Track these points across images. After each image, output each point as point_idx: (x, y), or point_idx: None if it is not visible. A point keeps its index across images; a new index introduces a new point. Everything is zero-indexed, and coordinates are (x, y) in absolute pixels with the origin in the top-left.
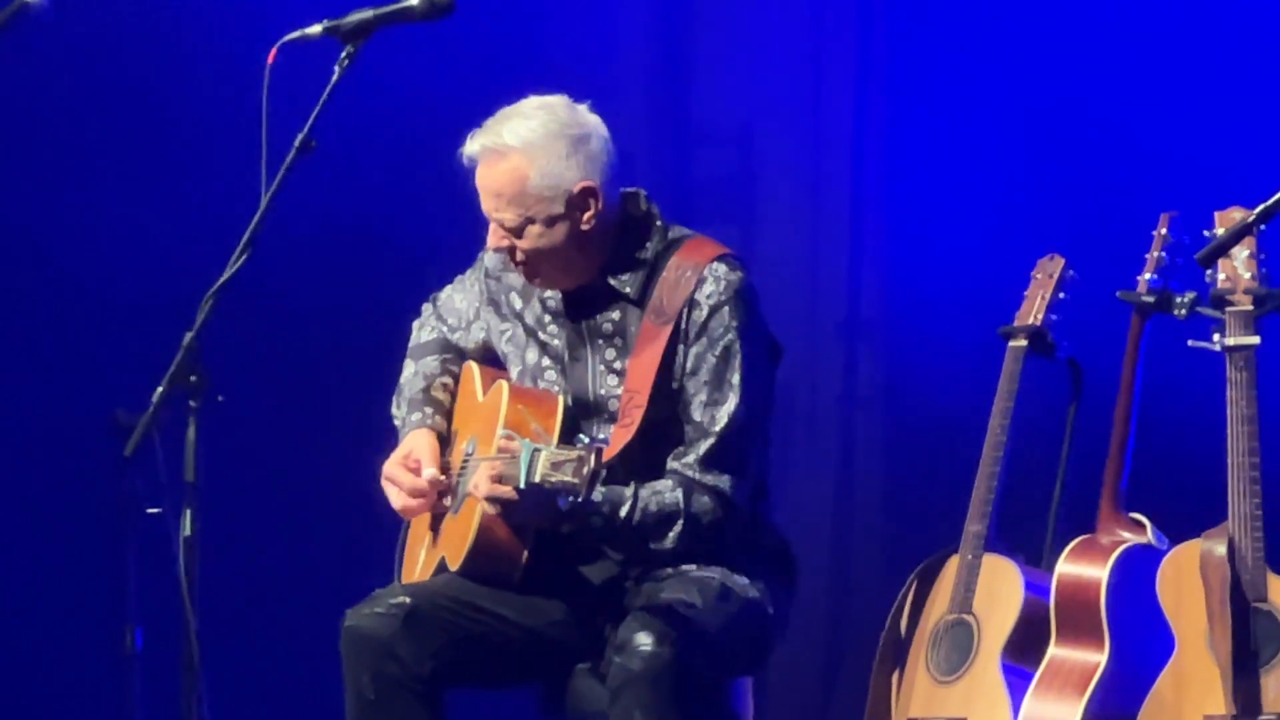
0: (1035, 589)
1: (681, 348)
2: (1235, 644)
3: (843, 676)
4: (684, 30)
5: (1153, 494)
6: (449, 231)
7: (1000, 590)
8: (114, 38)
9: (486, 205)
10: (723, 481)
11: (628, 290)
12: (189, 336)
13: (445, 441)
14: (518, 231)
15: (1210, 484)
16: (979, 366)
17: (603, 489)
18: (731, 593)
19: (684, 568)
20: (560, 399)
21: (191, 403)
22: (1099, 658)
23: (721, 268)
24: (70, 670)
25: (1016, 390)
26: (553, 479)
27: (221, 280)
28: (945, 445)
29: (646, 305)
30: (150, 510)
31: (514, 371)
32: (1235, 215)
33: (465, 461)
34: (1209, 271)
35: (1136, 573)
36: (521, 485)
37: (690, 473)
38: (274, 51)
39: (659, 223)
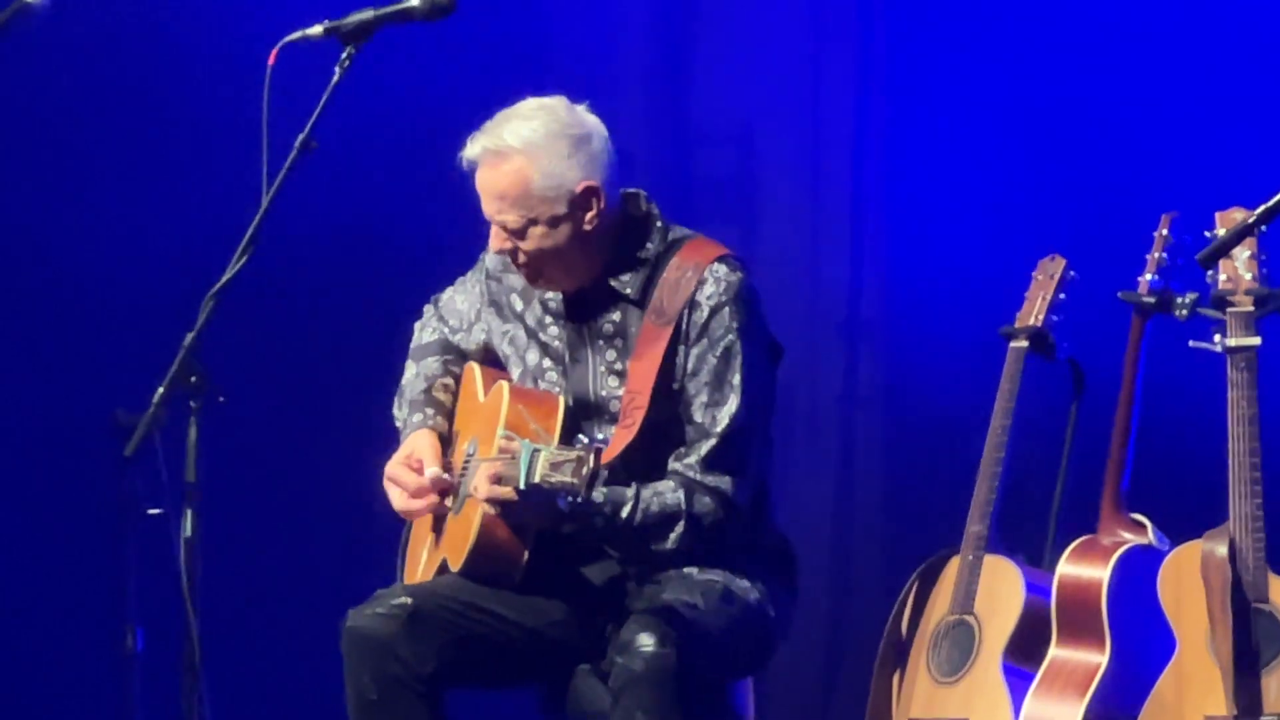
0: (1036, 589)
1: (682, 348)
2: (1236, 645)
3: (843, 677)
4: (684, 30)
5: (1154, 495)
6: (450, 232)
7: (1001, 591)
8: (115, 38)
9: (488, 208)
10: (724, 482)
11: (628, 291)
12: (190, 337)
13: (447, 442)
14: (520, 233)
15: (1211, 484)
16: (980, 367)
17: (604, 489)
18: (733, 595)
19: (686, 570)
20: (560, 400)
21: (192, 403)
22: (1100, 658)
23: (722, 268)
24: (71, 670)
25: (1017, 391)
26: (552, 479)
27: (222, 281)
28: (946, 446)
29: (647, 306)
30: (151, 511)
31: (515, 373)
32: (1236, 216)
33: (466, 462)
34: (1210, 272)
35: (1137, 573)
36: (521, 486)
37: (692, 474)
38: (275, 52)
39: (659, 223)
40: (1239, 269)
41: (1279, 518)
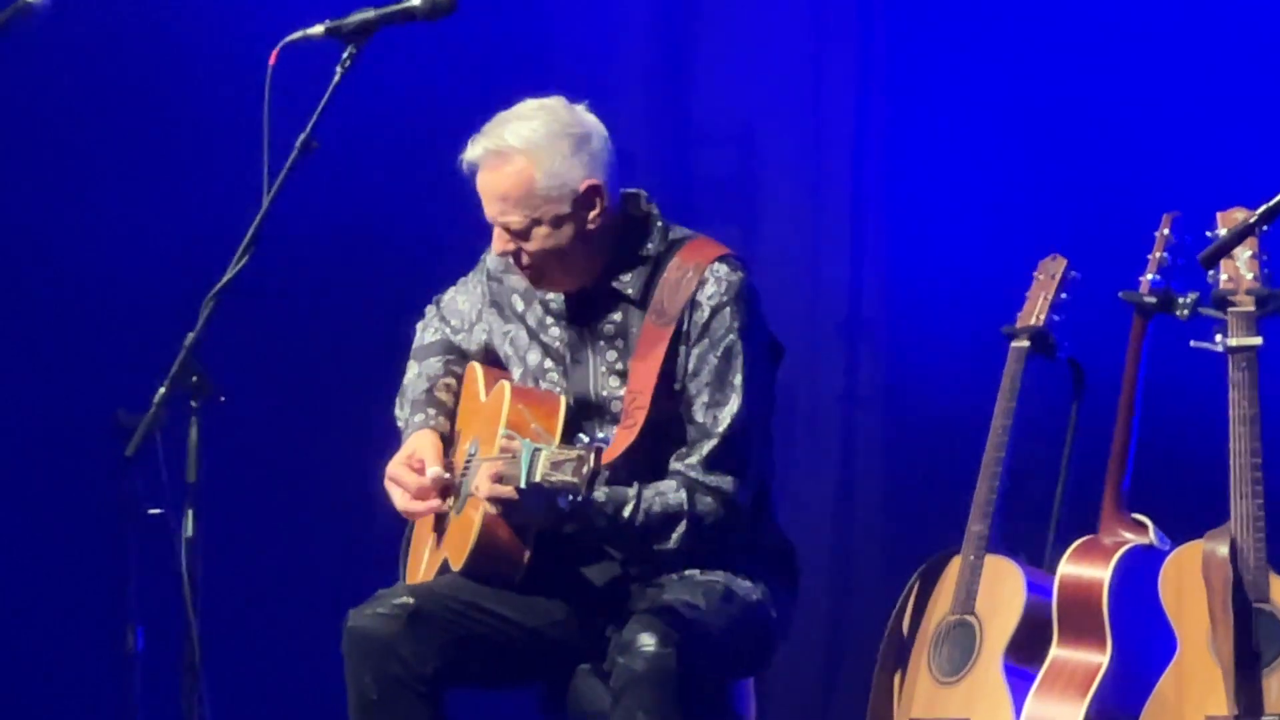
0: (1037, 589)
1: (683, 349)
2: (1237, 645)
3: (844, 677)
4: (685, 30)
5: (1155, 495)
6: (451, 232)
7: (1002, 591)
8: (116, 38)
9: (491, 210)
10: (725, 482)
11: (629, 291)
12: (190, 337)
13: (448, 442)
14: (524, 234)
15: (1212, 484)
16: (981, 367)
17: (606, 489)
18: (734, 595)
19: (687, 571)
20: (562, 399)
21: (193, 403)
22: (1101, 658)
23: (723, 268)
24: (71, 670)
25: (1018, 390)
26: (553, 478)
27: (223, 281)
28: (947, 446)
29: (648, 306)
30: (152, 511)
31: (516, 373)
32: (1237, 216)
33: (468, 462)
34: (1211, 272)
35: (1139, 573)
36: (522, 485)
37: (693, 474)
38: (276, 52)
39: (660, 223)
40: (1240, 269)
41: None
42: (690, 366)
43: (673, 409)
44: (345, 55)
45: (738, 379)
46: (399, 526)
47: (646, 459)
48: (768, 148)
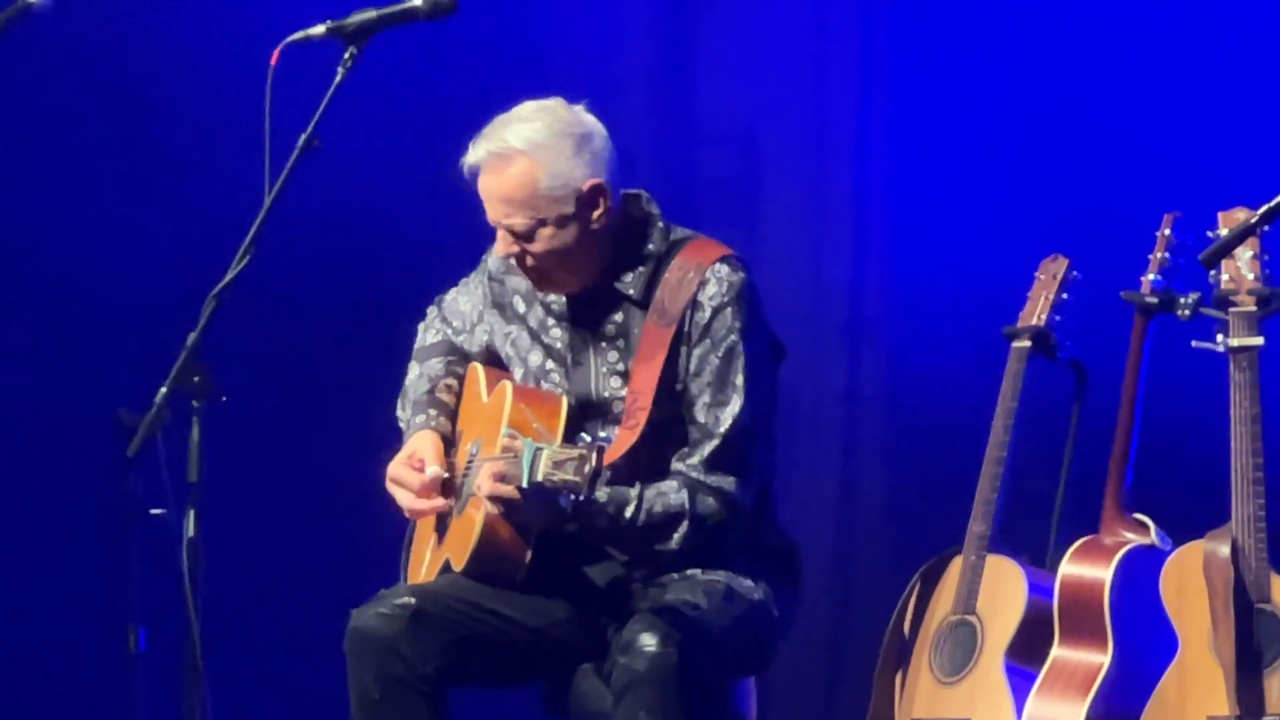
0: (1039, 590)
1: (684, 349)
2: (1239, 645)
3: (846, 677)
4: (686, 30)
5: (1156, 495)
6: (453, 233)
7: (1004, 591)
8: (118, 38)
9: (495, 213)
10: (727, 483)
11: (631, 292)
12: (192, 337)
13: (450, 443)
14: (529, 236)
15: (1214, 485)
16: (982, 367)
17: (607, 490)
18: (736, 595)
19: (689, 571)
20: (563, 399)
21: (194, 403)
22: (1102, 658)
23: (724, 269)
24: (73, 670)
25: (1020, 391)
26: (555, 477)
27: (225, 281)
28: (948, 446)
29: (649, 307)
30: (153, 511)
31: (517, 374)
32: (1239, 216)
33: (470, 462)
34: (1212, 272)
35: (1140, 574)
36: (524, 484)
37: (695, 474)
38: (277, 52)
39: (661, 224)
40: (1241, 269)
41: None
42: (692, 367)
43: (674, 410)
44: (347, 55)
45: (739, 379)
46: (400, 526)
47: (648, 460)
48: (769, 148)
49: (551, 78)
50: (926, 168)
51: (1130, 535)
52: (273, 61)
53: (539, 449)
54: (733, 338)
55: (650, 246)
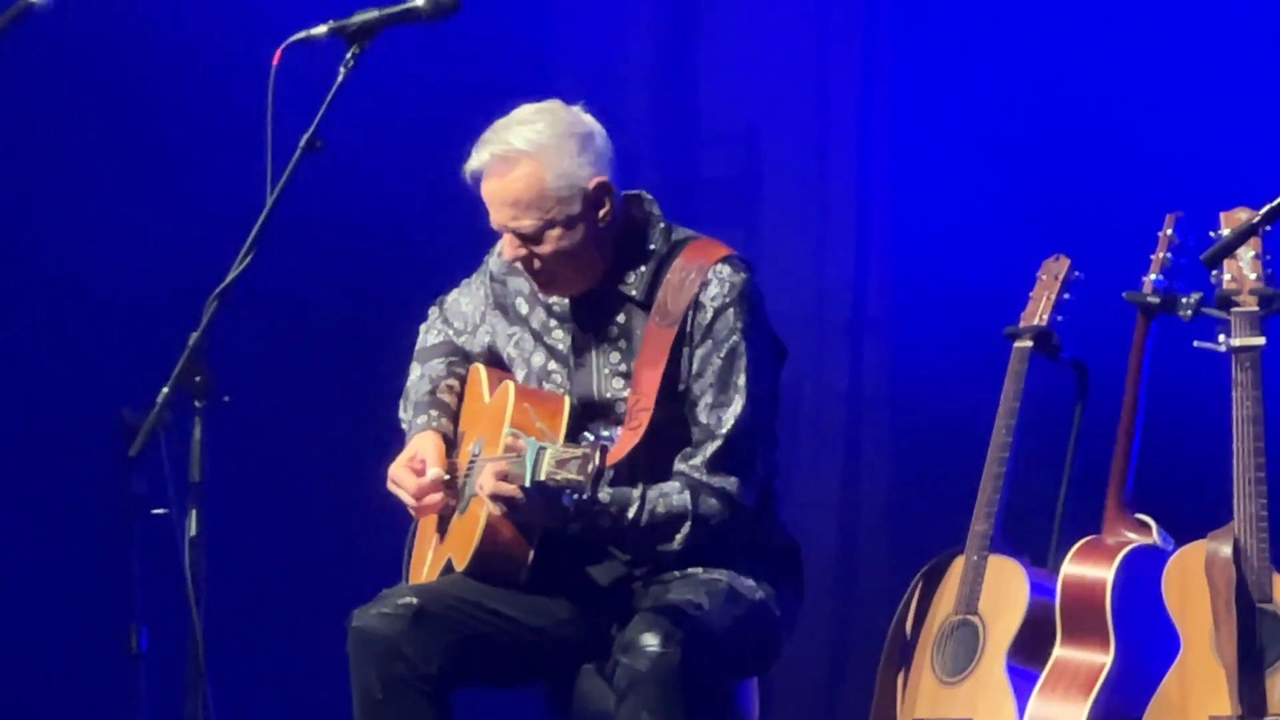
0: (1041, 589)
1: (687, 350)
2: (1241, 645)
3: (848, 677)
4: (689, 30)
5: (1158, 495)
6: (454, 233)
7: (1006, 591)
8: (119, 38)
9: (501, 216)
10: (730, 483)
11: (633, 293)
12: (194, 336)
13: (451, 444)
14: (537, 238)
15: (1216, 485)
16: (984, 367)
17: (610, 490)
18: (738, 595)
19: (691, 571)
20: (566, 399)
21: (197, 403)
22: (1104, 658)
23: (725, 269)
24: (75, 670)
25: (1022, 391)
26: (558, 476)
27: (227, 280)
28: (950, 446)
29: (651, 307)
30: (155, 510)
31: (520, 375)
32: (1241, 216)
33: (472, 462)
34: (1214, 272)
35: (1142, 574)
36: (527, 483)
37: (697, 475)
38: (279, 52)
39: (662, 224)
40: (1243, 269)
41: None
42: (694, 368)
43: (677, 410)
44: (349, 55)
45: (741, 380)
46: (403, 526)
47: (651, 460)
48: (772, 148)
49: (552, 78)
50: (928, 167)
51: (1132, 535)
52: (275, 61)
53: (542, 448)
54: (735, 338)
55: (652, 247)
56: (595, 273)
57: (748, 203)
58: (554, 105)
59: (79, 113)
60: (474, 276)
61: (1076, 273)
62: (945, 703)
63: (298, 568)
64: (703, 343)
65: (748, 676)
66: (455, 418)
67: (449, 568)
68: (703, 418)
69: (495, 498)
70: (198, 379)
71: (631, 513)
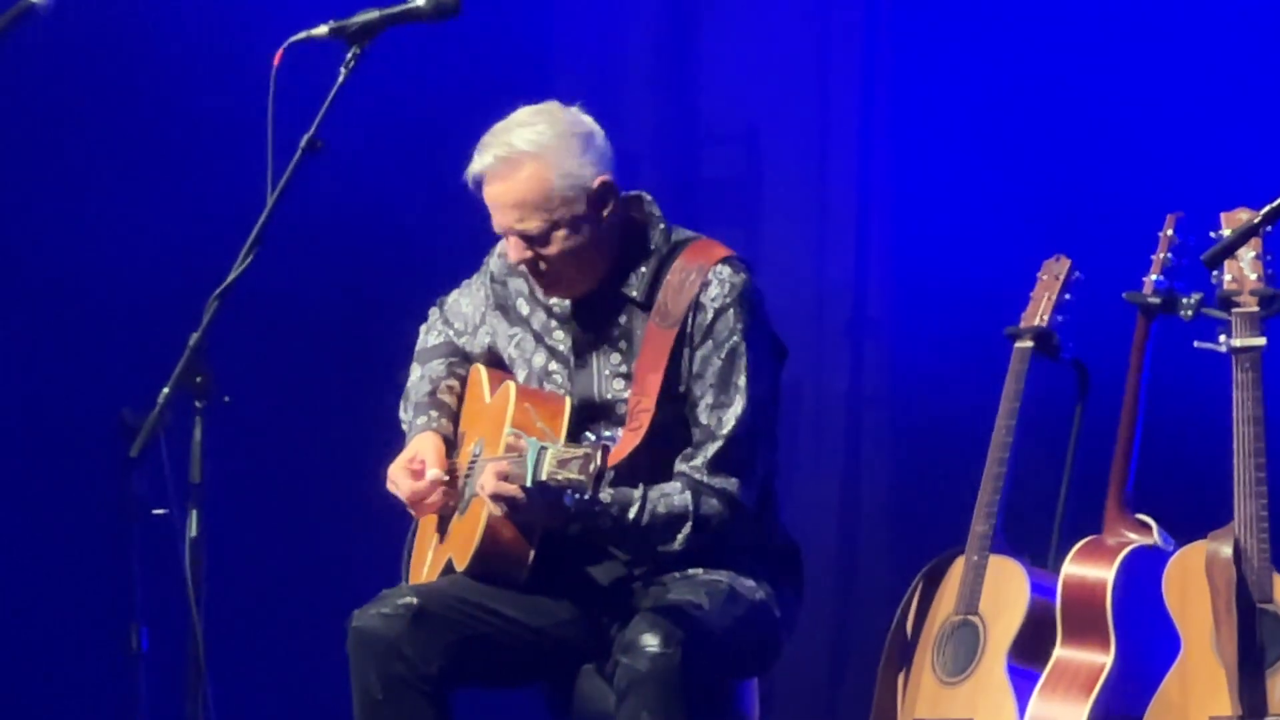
0: (1041, 590)
1: (687, 351)
2: (1241, 645)
3: (848, 677)
4: (689, 30)
5: (1159, 495)
6: (455, 233)
7: (1006, 591)
8: (119, 38)
9: (505, 219)
10: (730, 484)
11: (633, 293)
12: (195, 337)
13: (452, 445)
14: (543, 239)
15: (1216, 485)
16: (985, 367)
17: (611, 490)
18: (739, 595)
19: (691, 571)
20: (566, 400)
21: (197, 403)
22: (1105, 659)
23: (726, 270)
24: (75, 670)
25: (1022, 391)
26: (559, 476)
27: (227, 281)
28: (951, 446)
29: (652, 308)
30: (156, 511)
31: (520, 375)
32: (1241, 216)
33: (473, 462)
34: (1215, 273)
35: (1142, 574)
36: (528, 483)
37: (698, 475)
38: (280, 52)
39: (662, 225)
40: (1244, 269)
41: None
42: (694, 368)
43: (677, 411)
44: (349, 56)
45: (742, 380)
46: (403, 526)
47: (652, 461)
48: (772, 148)
49: (552, 78)
50: (929, 168)
51: (1133, 535)
52: (275, 62)
53: (544, 448)
54: (735, 339)
55: (652, 248)
56: (599, 273)
57: (748, 203)
58: (552, 106)
59: (79, 113)
60: (474, 277)
61: (1077, 273)
62: (946, 703)
63: (298, 568)
64: (703, 343)
65: (748, 677)
66: (455, 418)
67: (449, 568)
68: (703, 418)
69: (496, 498)
70: (198, 379)
71: (632, 513)
